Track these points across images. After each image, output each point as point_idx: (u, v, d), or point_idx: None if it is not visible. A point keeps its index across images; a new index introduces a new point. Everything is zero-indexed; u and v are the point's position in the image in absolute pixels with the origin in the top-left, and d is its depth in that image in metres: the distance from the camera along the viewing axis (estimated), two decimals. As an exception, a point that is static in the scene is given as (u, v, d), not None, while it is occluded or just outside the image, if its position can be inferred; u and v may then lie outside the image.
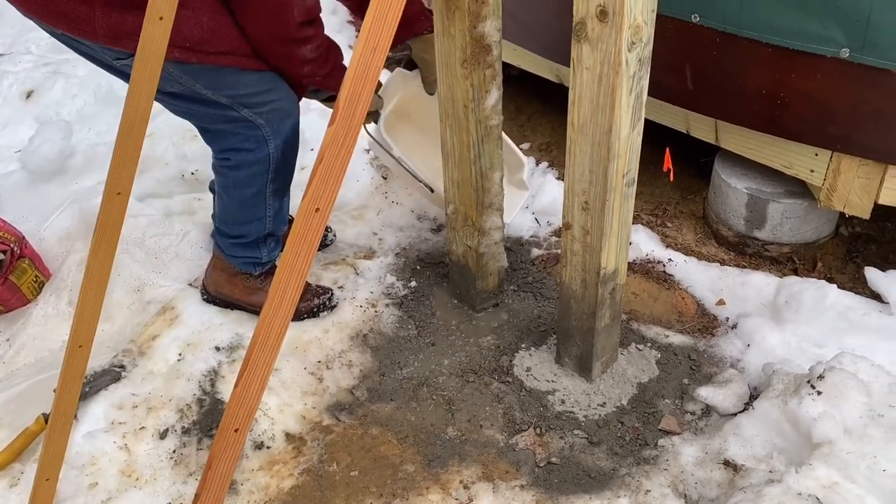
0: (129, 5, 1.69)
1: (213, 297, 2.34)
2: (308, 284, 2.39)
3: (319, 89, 2.13)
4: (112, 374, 2.14)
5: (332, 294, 2.37)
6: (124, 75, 1.90)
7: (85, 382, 2.05)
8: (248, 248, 2.23)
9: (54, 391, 1.98)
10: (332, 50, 2.04)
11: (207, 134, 2.08)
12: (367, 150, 3.08)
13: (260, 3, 1.77)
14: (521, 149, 3.31)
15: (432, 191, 2.54)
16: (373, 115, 2.29)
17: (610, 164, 1.66)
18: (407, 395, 2.14)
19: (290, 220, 2.67)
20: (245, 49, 1.86)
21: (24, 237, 2.43)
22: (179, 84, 1.86)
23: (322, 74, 2.02)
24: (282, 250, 2.38)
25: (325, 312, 2.35)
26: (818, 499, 1.61)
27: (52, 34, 1.83)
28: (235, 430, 1.17)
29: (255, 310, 2.32)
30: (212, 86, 1.87)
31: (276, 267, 2.33)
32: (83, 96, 3.56)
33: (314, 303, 2.33)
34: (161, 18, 1.49)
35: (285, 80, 2.01)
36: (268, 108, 1.97)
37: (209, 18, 1.77)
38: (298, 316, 2.31)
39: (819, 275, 2.46)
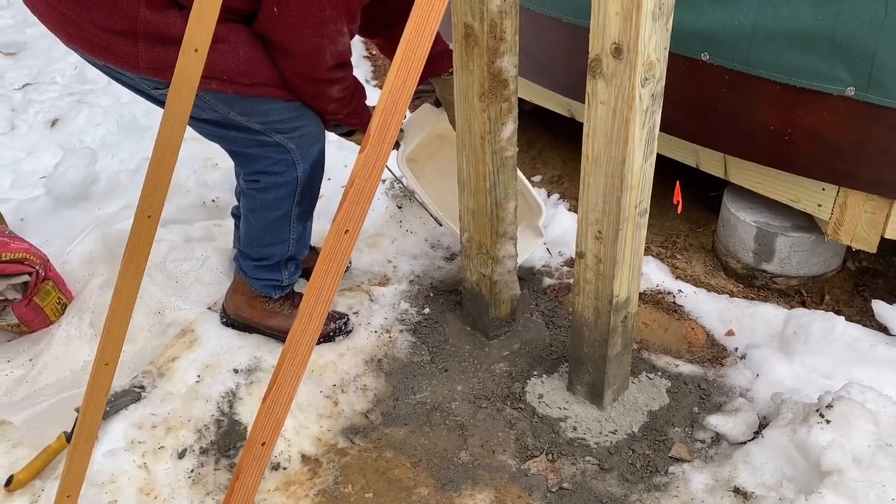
0: (170, 41, 1.78)
1: (232, 319, 2.39)
2: None
3: (340, 125, 2.21)
4: (132, 395, 2.19)
5: (348, 319, 2.42)
6: (161, 103, 1.98)
7: (106, 402, 2.09)
8: (270, 271, 2.29)
9: (76, 410, 2.03)
10: (358, 91, 2.15)
11: (238, 157, 2.16)
12: (383, 181, 3.15)
13: (294, 46, 1.86)
14: (532, 181, 3.39)
15: (441, 225, 2.61)
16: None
17: (623, 194, 1.72)
18: (420, 420, 2.17)
19: (312, 250, 2.74)
20: (278, 80, 1.95)
21: (48, 260, 2.49)
22: (214, 112, 1.94)
23: (345, 113, 2.13)
24: (301, 275, 2.44)
25: (341, 337, 2.39)
26: (828, 526, 1.63)
27: (94, 65, 1.91)
28: (262, 444, 1.21)
29: (272, 333, 2.37)
30: (245, 113, 1.95)
31: (294, 291, 2.40)
32: (106, 125, 3.66)
33: (330, 327, 2.37)
34: (196, 50, 1.56)
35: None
36: (298, 134, 2.05)
37: (245, 52, 1.85)
38: None
39: (827, 307, 2.50)
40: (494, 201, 2.17)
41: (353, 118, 2.15)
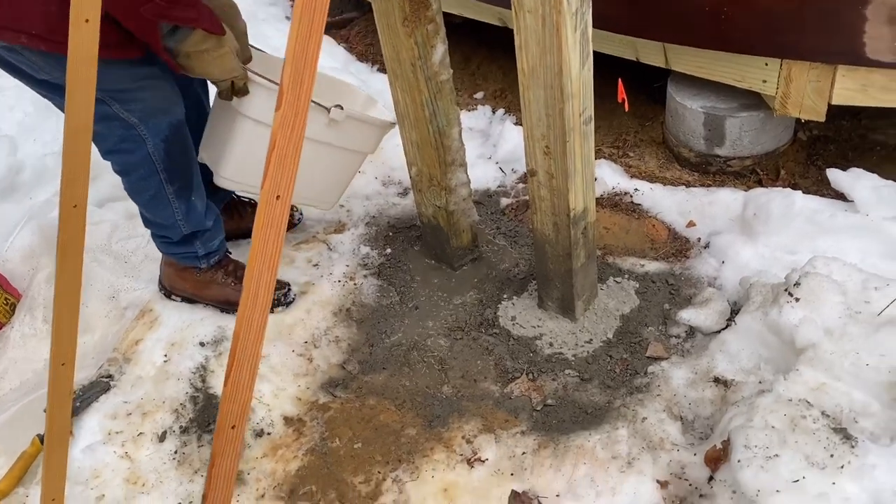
0: None
1: (168, 291, 2.31)
2: None
3: (175, 26, 1.78)
4: (101, 385, 2.13)
5: (289, 289, 2.32)
6: (20, 72, 1.81)
7: (74, 398, 2.04)
8: (180, 246, 2.18)
9: (45, 411, 1.97)
10: None
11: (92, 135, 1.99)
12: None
13: None
14: (474, 98, 3.30)
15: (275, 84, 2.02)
16: (243, 90, 1.95)
17: (565, 104, 1.66)
18: (398, 362, 2.15)
19: (252, 206, 2.59)
20: (107, 39, 1.72)
21: (-14, 262, 2.38)
22: (45, 73, 1.76)
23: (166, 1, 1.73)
24: (226, 238, 2.30)
25: (281, 308, 2.29)
26: (808, 402, 1.66)
27: None
28: (233, 427, 1.17)
29: (213, 304, 2.29)
30: None
31: (227, 258, 2.29)
32: (21, 108, 3.43)
33: None
34: (87, 21, 1.43)
35: (137, 32, 1.76)
36: (140, 106, 1.89)
37: (58, 7, 1.59)
38: None
39: (783, 183, 2.50)
40: (437, 130, 2.09)
41: (175, 8, 1.73)
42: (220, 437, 1.17)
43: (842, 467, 1.49)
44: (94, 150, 1.66)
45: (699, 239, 2.37)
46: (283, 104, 1.02)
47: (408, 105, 2.07)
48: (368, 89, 3.31)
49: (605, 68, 2.58)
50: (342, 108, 2.12)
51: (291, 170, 1.05)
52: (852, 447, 1.52)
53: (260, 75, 1.96)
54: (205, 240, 2.20)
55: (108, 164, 2.78)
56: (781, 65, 2.25)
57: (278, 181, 1.05)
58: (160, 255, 2.48)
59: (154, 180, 2.01)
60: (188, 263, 2.24)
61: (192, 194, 2.11)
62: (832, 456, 1.51)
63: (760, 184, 2.52)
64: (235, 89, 1.92)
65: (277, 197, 1.06)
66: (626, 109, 2.53)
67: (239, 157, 2.08)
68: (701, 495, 1.65)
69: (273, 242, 1.09)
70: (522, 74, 1.70)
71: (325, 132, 2.14)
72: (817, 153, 2.63)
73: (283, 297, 2.29)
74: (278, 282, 2.31)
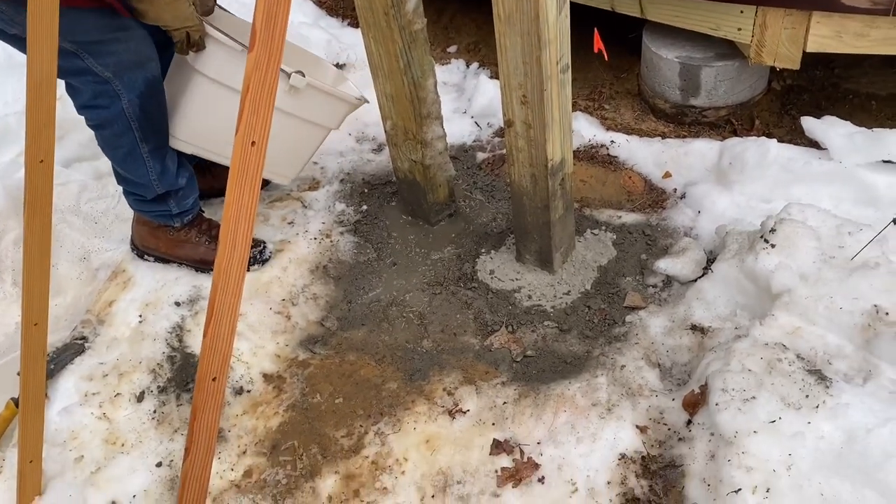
0: None
1: (141, 251, 2.27)
2: None
3: None
4: (75, 348, 2.09)
5: (265, 247, 2.28)
6: None
7: (49, 360, 2.00)
8: (154, 204, 2.14)
9: (18, 374, 1.94)
10: None
11: (67, 87, 1.94)
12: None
13: None
14: (447, 52, 3.25)
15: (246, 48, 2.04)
16: (199, 43, 1.90)
17: (542, 52, 1.63)
18: (377, 318, 2.14)
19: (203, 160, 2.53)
20: None
21: (-50, 225, 2.32)
22: (15, 24, 1.71)
23: None
24: (199, 196, 2.26)
25: (257, 266, 2.25)
26: (784, 345, 1.68)
27: None
28: (213, 379, 1.16)
29: (186, 263, 2.26)
30: None
31: (201, 216, 2.25)
32: (-22, 68, 3.32)
33: None
34: (46, -34, 1.38)
35: None
36: (114, 60, 1.83)
37: None
38: None
39: (758, 132, 2.50)
40: (412, 81, 2.05)
41: None
42: (202, 390, 1.15)
43: (817, 407, 1.52)
44: (59, 107, 1.61)
45: (675, 189, 2.37)
46: (257, 45, 0.99)
47: (381, 56, 2.03)
48: (340, 44, 3.26)
49: (580, 20, 2.55)
50: (304, 75, 2.05)
51: (266, 115, 1.02)
52: (827, 388, 1.55)
53: (218, 29, 1.91)
54: (179, 198, 2.16)
55: (75, 122, 2.70)
56: (756, 12, 2.24)
57: (253, 126, 1.02)
58: (131, 215, 2.43)
59: (128, 137, 1.96)
60: (162, 222, 2.19)
61: (164, 155, 2.07)
62: (807, 397, 1.54)
63: (735, 134, 2.53)
64: (191, 42, 1.86)
65: (252, 143, 1.03)
66: (606, 60, 2.51)
67: (193, 118, 2.04)
68: (680, 438, 1.68)
69: (249, 190, 1.07)
70: (498, 21, 1.66)
71: (284, 99, 2.06)
72: (791, 102, 2.63)
73: (258, 254, 2.26)
74: (253, 240, 2.27)
